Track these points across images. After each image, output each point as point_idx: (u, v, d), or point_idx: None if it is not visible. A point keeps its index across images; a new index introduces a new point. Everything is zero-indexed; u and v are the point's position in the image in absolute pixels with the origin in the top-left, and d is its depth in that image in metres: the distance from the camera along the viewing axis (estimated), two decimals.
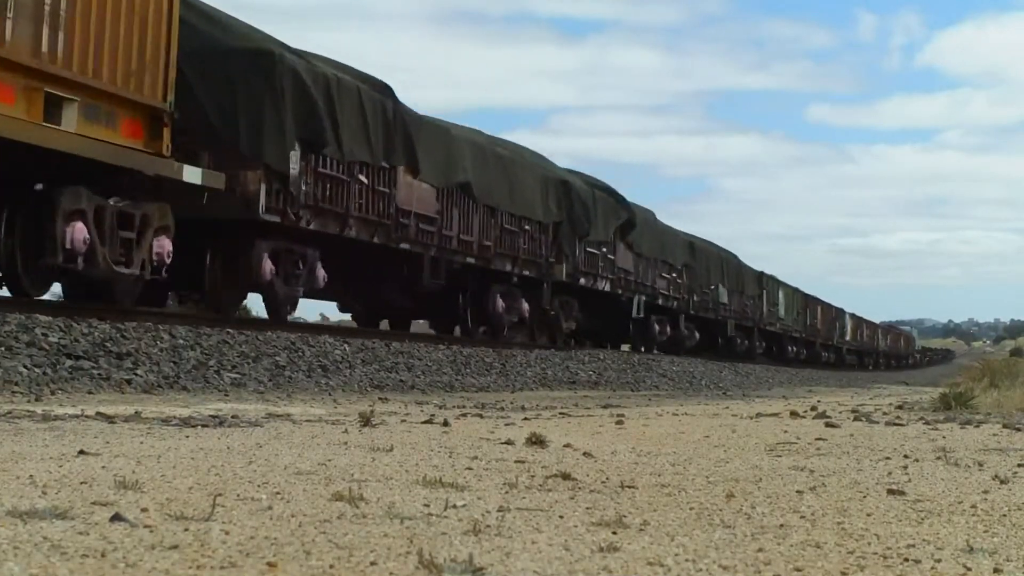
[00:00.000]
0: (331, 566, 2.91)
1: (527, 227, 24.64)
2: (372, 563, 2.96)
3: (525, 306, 25.09)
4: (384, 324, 25.09)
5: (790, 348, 52.12)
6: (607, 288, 29.31)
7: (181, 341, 13.22)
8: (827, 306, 62.31)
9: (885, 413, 12.63)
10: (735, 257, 43.42)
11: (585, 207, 26.62)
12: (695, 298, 37.07)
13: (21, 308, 12.15)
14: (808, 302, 56.56)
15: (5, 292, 13.21)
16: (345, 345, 16.60)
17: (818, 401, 18.82)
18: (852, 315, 71.86)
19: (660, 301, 33.75)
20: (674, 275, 35.07)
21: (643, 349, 33.22)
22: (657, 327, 34.22)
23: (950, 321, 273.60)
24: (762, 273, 46.37)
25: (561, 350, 25.07)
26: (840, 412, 12.87)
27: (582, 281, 27.28)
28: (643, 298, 32.04)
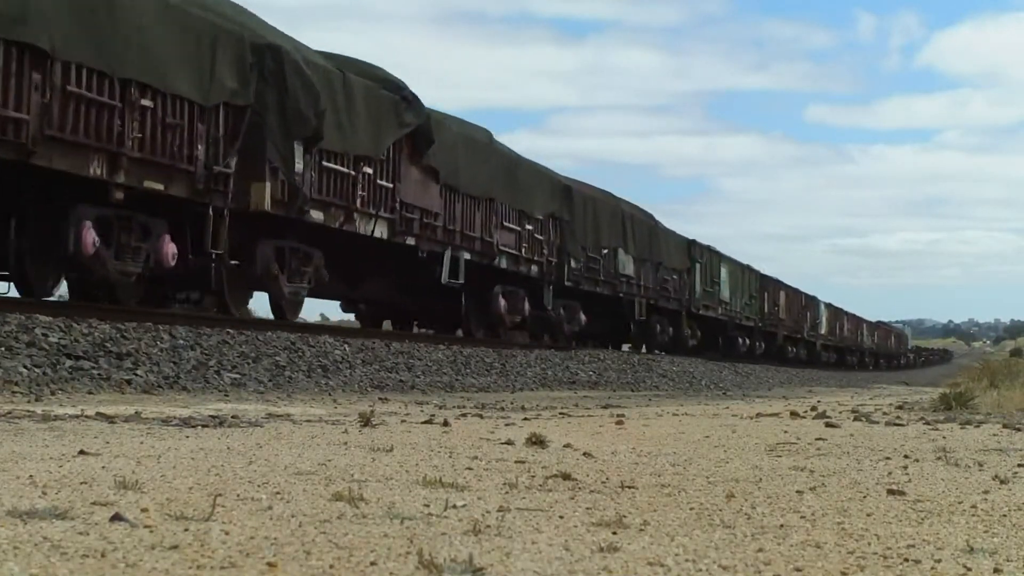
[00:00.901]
0: (331, 566, 2.91)
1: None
2: (372, 563, 2.96)
3: None
4: (387, 325, 25.08)
5: (741, 340, 43.17)
6: (374, 231, 18.54)
7: (181, 341, 13.22)
8: (793, 292, 53.25)
9: (885, 413, 12.63)
10: (651, 218, 33.72)
11: (309, 88, 16.01)
12: (572, 263, 27.05)
13: (21, 308, 12.16)
14: (767, 285, 47.80)
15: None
16: (345, 345, 16.60)
17: (818, 401, 18.82)
18: (829, 305, 63.46)
19: (503, 264, 23.69)
20: (531, 228, 24.83)
21: (469, 333, 23.80)
22: (504, 303, 24.08)
23: (950, 321, 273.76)
24: (693, 242, 37.45)
25: (561, 350, 25.05)
26: (840, 412, 12.86)
27: (315, 216, 16.92)
28: (463, 256, 21.57)
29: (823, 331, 60.21)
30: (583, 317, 28.27)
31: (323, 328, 19.26)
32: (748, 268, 44.93)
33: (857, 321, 75.54)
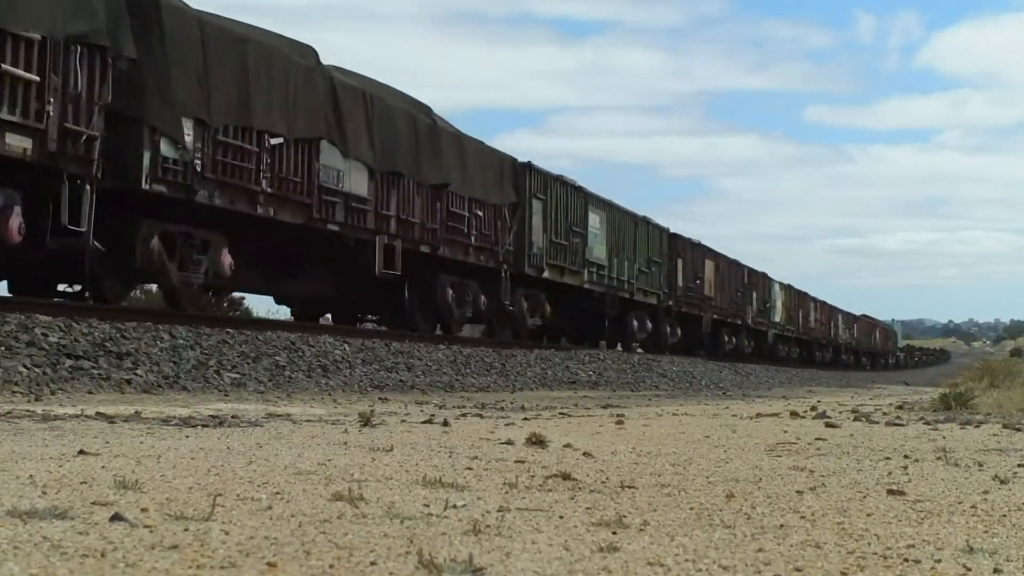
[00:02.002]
0: (331, 566, 2.91)
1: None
2: (372, 563, 2.96)
3: None
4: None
5: (634, 322, 32.30)
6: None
7: (181, 341, 13.22)
8: (730, 264, 40.61)
9: (885, 413, 12.63)
10: (481, 144, 23.93)
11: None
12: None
13: (21, 308, 12.16)
14: (682, 249, 35.77)
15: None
16: (345, 345, 16.59)
17: (818, 401, 18.82)
18: (788, 287, 51.73)
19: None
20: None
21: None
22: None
23: (950, 321, 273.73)
24: (525, 168, 25.39)
25: (561, 350, 25.03)
26: (840, 412, 12.86)
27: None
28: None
29: (777, 318, 48.71)
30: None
31: (323, 328, 19.20)
32: (648, 224, 32.94)
33: (830, 310, 64.16)
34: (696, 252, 37.54)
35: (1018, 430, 9.28)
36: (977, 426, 9.94)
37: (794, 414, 12.04)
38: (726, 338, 32.28)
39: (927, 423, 10.46)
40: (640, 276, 32.55)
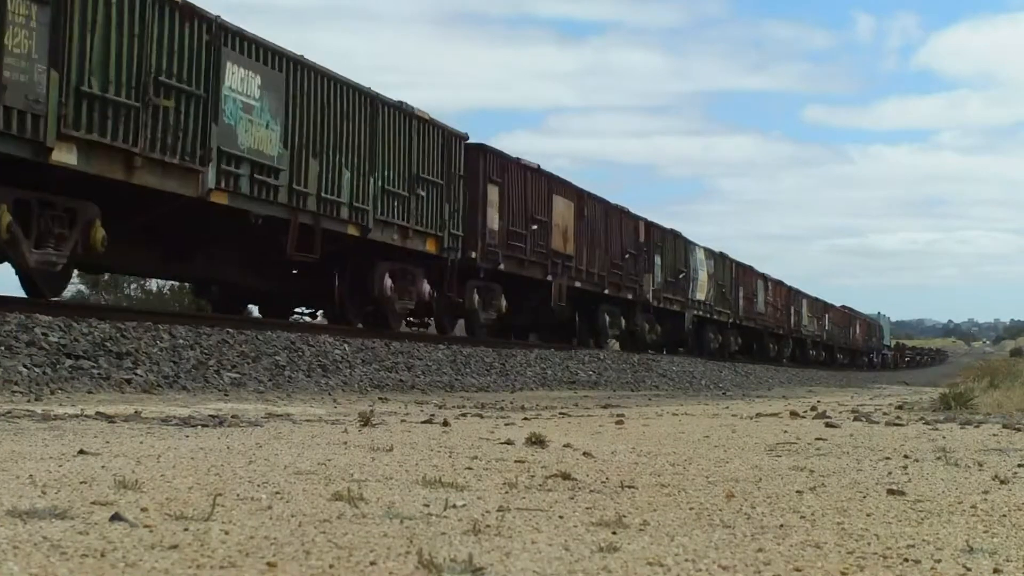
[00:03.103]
0: (331, 566, 2.91)
1: None
2: (372, 563, 2.96)
3: None
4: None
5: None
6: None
7: (181, 341, 13.22)
8: (617, 213, 30.16)
9: (885, 413, 12.63)
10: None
11: None
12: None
13: (21, 308, 12.16)
14: (556, 189, 26.15)
15: None
16: (345, 345, 16.60)
17: (818, 401, 18.82)
18: (720, 256, 39.91)
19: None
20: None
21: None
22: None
23: (950, 321, 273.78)
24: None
25: (561, 350, 25.02)
26: (840, 412, 12.86)
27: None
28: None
29: (701, 295, 36.97)
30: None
31: (323, 328, 19.16)
32: (479, 150, 23.09)
33: (790, 293, 51.15)
34: (567, 193, 26.91)
35: (1018, 430, 9.28)
36: (977, 426, 9.94)
37: (794, 414, 12.04)
38: (606, 318, 24.51)
39: (927, 423, 10.46)
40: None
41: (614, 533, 3.56)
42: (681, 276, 35.25)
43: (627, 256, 30.51)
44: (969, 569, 3.18)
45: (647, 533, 3.61)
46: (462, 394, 15.83)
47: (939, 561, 3.28)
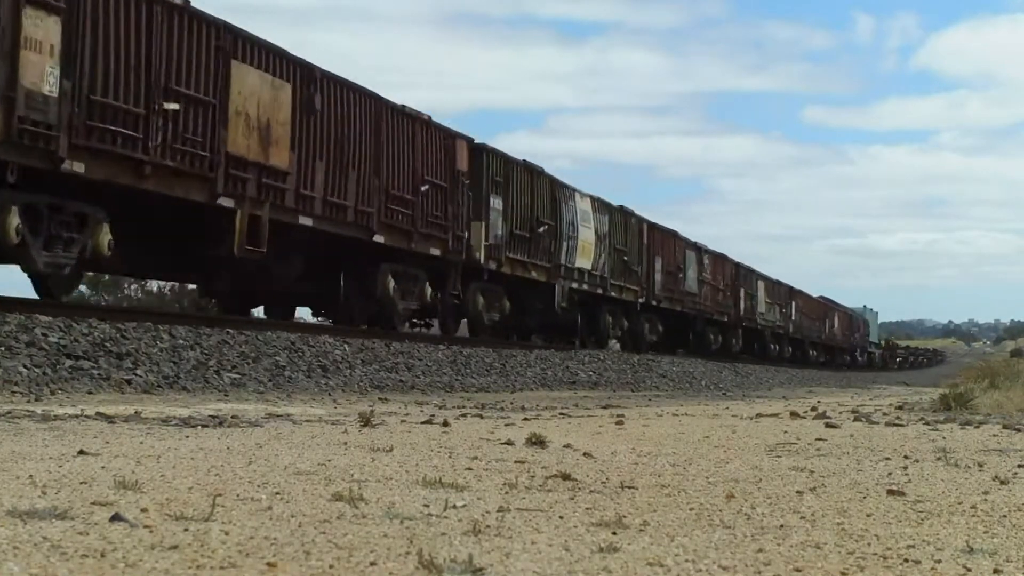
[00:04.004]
0: (331, 566, 2.91)
1: None
2: (372, 563, 2.95)
3: None
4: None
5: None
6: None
7: (181, 341, 13.23)
8: (451, 140, 21.87)
9: (885, 414, 12.63)
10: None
11: None
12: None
13: (21, 308, 12.16)
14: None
15: None
16: (345, 345, 16.60)
17: (818, 402, 18.82)
18: (622, 211, 31.10)
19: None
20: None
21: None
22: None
23: (950, 322, 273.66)
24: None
25: (561, 350, 25.01)
26: (840, 413, 12.86)
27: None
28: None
29: (585, 262, 27.90)
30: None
31: (323, 328, 19.16)
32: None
33: (738, 271, 41.86)
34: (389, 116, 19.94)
35: (1018, 431, 9.28)
36: (977, 427, 9.94)
37: (794, 414, 12.04)
38: (389, 283, 19.52)
39: (927, 423, 10.46)
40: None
41: (614, 533, 3.56)
42: (543, 230, 25.42)
43: (426, 189, 20.87)
44: (969, 569, 3.18)
45: (647, 533, 3.61)
46: (462, 394, 15.83)
47: (939, 561, 3.28)
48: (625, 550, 3.28)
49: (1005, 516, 4.23)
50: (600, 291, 29.27)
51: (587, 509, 4.10)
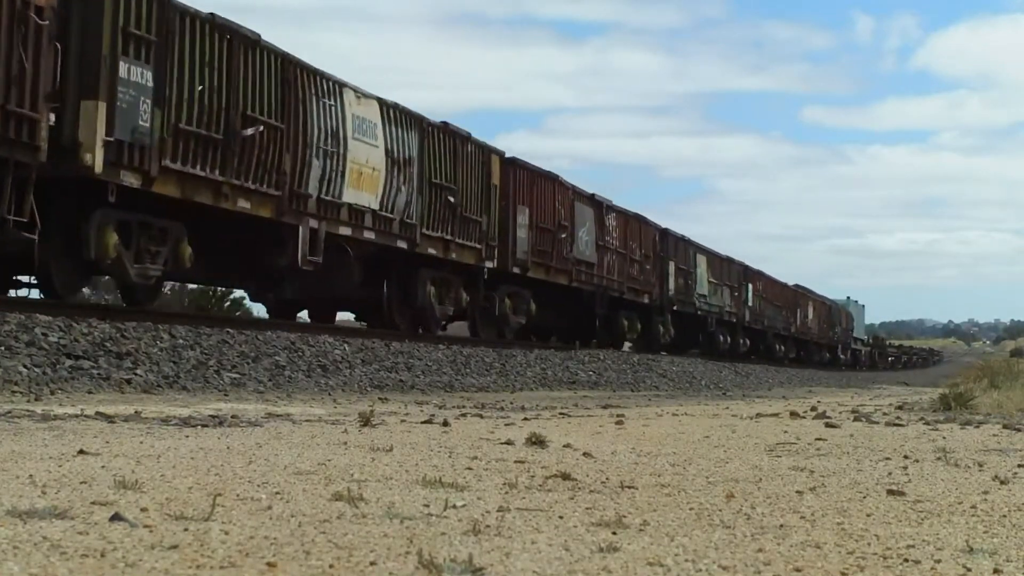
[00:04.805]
0: (331, 566, 2.90)
1: None
2: (372, 563, 2.95)
3: None
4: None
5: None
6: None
7: (181, 341, 13.22)
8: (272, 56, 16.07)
9: (885, 414, 12.63)
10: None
11: None
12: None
13: (21, 308, 12.16)
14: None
15: None
16: (345, 345, 16.60)
17: (818, 401, 18.82)
18: (463, 138, 21.77)
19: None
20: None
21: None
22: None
23: (950, 321, 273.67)
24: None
25: (561, 350, 25.02)
26: (840, 412, 12.86)
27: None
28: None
29: (382, 203, 19.00)
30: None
31: (323, 328, 19.16)
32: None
33: (660, 239, 33.67)
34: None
35: (1018, 430, 9.29)
36: (977, 426, 9.94)
37: (794, 414, 12.04)
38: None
39: (927, 423, 10.46)
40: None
41: (614, 533, 3.56)
42: (333, 154, 17.78)
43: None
44: (969, 569, 3.18)
45: (647, 533, 3.61)
46: (462, 394, 15.83)
47: (939, 561, 3.28)
48: (625, 550, 3.28)
49: (1005, 516, 4.23)
50: (402, 245, 19.71)
51: (587, 509, 4.10)
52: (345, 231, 18.06)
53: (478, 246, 22.29)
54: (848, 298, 72.62)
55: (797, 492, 4.81)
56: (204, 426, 7.55)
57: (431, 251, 20.67)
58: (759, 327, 44.38)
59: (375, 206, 18.81)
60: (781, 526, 3.84)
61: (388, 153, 19.23)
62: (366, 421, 8.16)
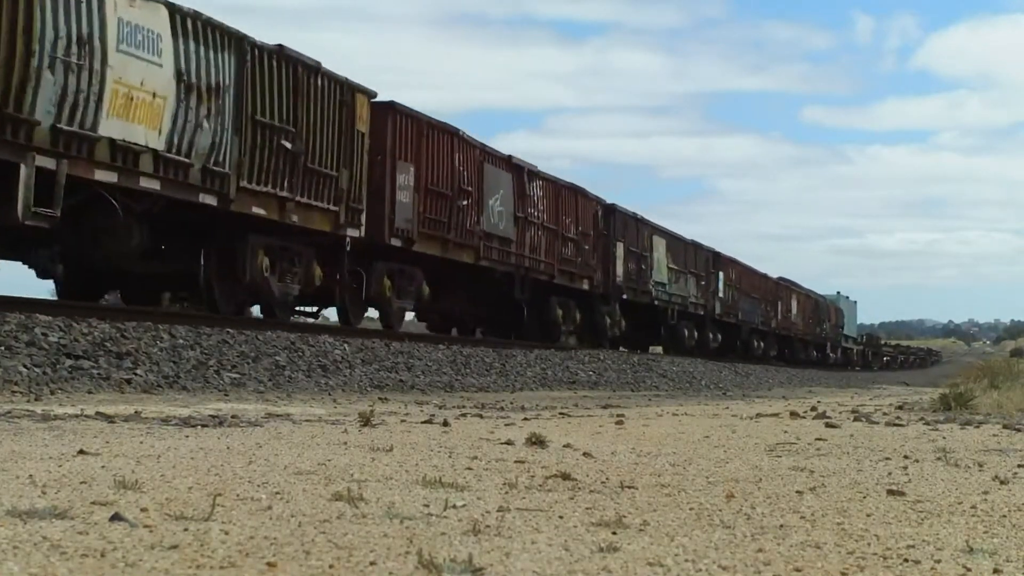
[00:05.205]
0: (331, 566, 2.90)
1: None
2: (372, 563, 2.95)
3: None
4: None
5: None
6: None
7: (181, 341, 13.22)
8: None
9: (885, 414, 12.63)
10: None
11: None
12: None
13: (21, 308, 12.16)
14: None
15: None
16: (345, 345, 16.59)
17: (818, 401, 18.82)
18: (328, 76, 17.12)
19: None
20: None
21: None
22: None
23: (950, 321, 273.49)
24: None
25: (561, 350, 25.02)
26: (840, 412, 12.86)
27: (256, 210, 16.03)
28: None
29: (169, 141, 13.86)
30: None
31: (323, 328, 19.15)
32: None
33: (607, 215, 29.52)
34: None
35: (1018, 430, 9.29)
36: (977, 426, 9.94)
37: (794, 414, 12.04)
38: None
39: (927, 423, 10.46)
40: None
41: (614, 533, 3.56)
42: (81, 68, 12.68)
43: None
44: (969, 569, 3.18)
45: (647, 533, 3.61)
46: (462, 394, 15.83)
47: (939, 561, 3.28)
48: (625, 550, 3.28)
49: (1005, 516, 4.23)
50: (208, 200, 14.92)
51: (587, 509, 4.10)
52: (105, 176, 13.21)
53: (334, 208, 17.43)
54: (838, 293, 68.11)
55: (797, 492, 4.81)
56: (204, 426, 7.55)
57: (257, 210, 15.70)
58: (732, 321, 40.19)
59: (158, 145, 13.82)
60: (781, 526, 3.84)
61: (180, 75, 14.12)
62: (366, 421, 8.16)
